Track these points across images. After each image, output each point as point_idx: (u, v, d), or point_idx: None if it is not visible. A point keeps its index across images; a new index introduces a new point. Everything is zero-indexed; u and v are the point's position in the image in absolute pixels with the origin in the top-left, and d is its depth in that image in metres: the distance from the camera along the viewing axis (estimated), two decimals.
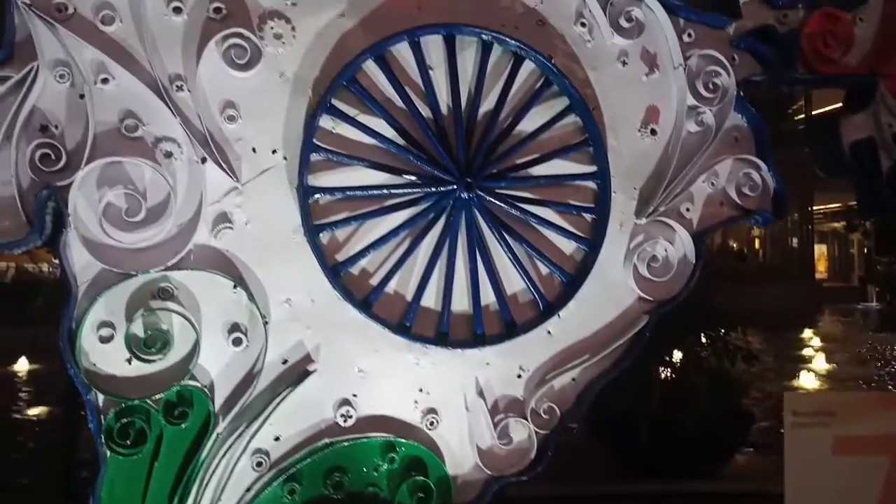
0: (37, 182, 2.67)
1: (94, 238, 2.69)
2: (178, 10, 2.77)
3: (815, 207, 33.65)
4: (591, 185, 3.12)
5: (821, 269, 42.36)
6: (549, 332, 3.04)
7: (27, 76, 2.65)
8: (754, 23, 3.31)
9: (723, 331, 8.38)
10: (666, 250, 3.13)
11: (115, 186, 2.71)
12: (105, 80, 2.72)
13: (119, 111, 2.74)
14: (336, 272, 2.88)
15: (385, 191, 2.95)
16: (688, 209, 3.19)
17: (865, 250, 39.20)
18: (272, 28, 2.85)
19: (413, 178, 2.97)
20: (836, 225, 41.01)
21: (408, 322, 2.95)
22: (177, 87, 2.77)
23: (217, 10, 2.81)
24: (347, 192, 2.93)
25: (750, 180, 3.25)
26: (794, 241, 34.35)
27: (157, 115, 2.76)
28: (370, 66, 2.96)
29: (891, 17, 3.50)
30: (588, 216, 3.11)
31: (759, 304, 15.11)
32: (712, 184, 3.22)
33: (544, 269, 3.07)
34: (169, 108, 2.75)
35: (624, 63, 3.17)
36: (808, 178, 21.31)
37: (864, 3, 3.48)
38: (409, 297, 2.97)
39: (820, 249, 42.58)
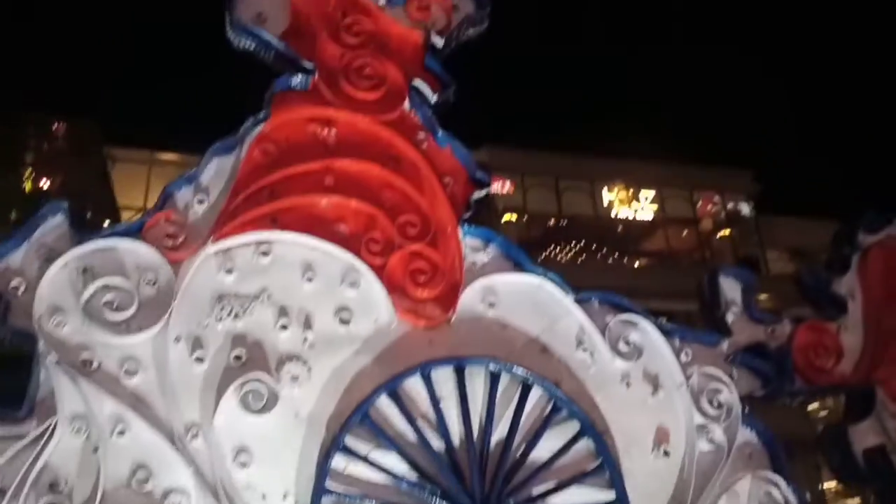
0: None
1: None
2: (200, 360, 2.89)
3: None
4: None
5: None
6: None
7: (44, 433, 2.67)
8: (746, 339, 3.50)
9: None
10: None
11: None
12: (121, 433, 2.74)
13: (131, 464, 2.72)
14: None
15: None
16: None
17: None
18: (289, 371, 2.95)
19: None
20: None
21: None
22: (192, 435, 2.78)
23: (237, 357, 2.93)
24: None
25: (771, 499, 3.17)
26: None
27: (168, 466, 2.74)
28: (383, 401, 3.02)
29: (873, 323, 3.71)
30: None
31: None
32: None
33: None
34: (182, 457, 2.73)
35: (628, 385, 3.26)
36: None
37: (844, 314, 3.71)
38: None
39: None
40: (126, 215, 16.72)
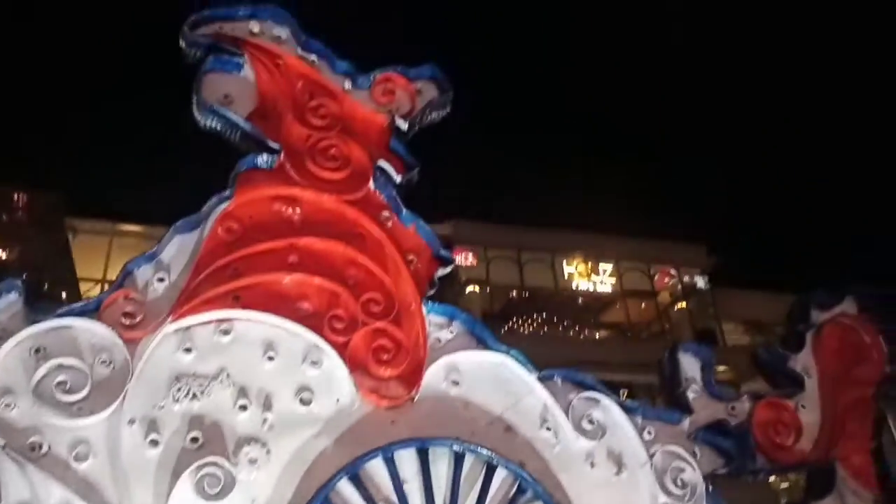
0: None
1: None
2: (154, 443, 2.80)
3: None
4: None
5: None
6: None
7: None
8: (707, 417, 3.53)
9: None
10: None
11: None
12: None
13: None
14: None
15: None
16: None
17: None
18: (247, 454, 2.87)
19: None
20: None
21: None
22: None
23: (194, 439, 2.85)
24: None
25: None
26: None
27: None
28: (344, 485, 2.95)
29: (829, 400, 3.77)
30: None
31: None
32: None
33: None
34: None
35: (592, 464, 3.25)
36: None
37: (801, 391, 3.77)
38: None
39: None
40: (85, 287, 16.37)
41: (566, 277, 21.14)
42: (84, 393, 2.80)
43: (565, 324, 20.16)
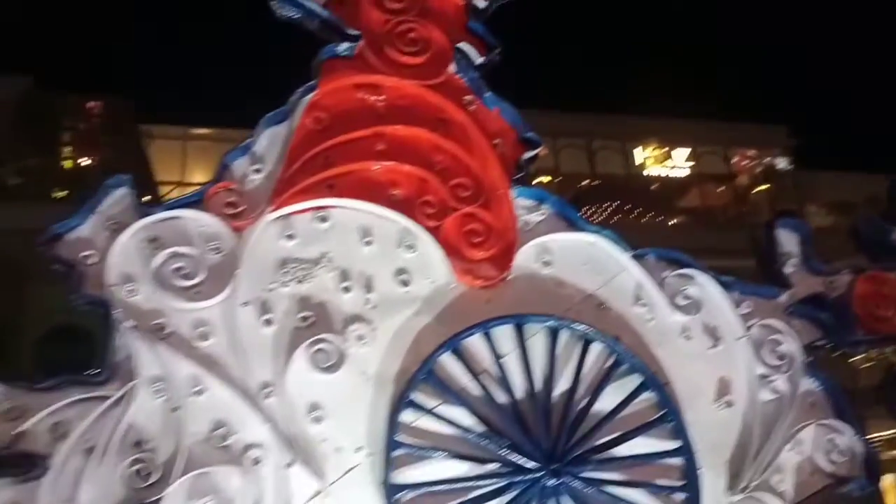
0: (128, 499, 2.68)
1: None
2: (269, 322, 2.97)
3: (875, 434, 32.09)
4: (677, 462, 3.06)
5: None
6: None
7: (125, 395, 2.79)
8: (805, 291, 3.48)
9: None
10: None
11: (205, 498, 2.70)
12: (199, 392, 2.84)
13: (210, 421, 2.82)
14: None
15: (469, 483, 2.91)
16: (780, 481, 3.10)
17: None
18: (355, 331, 3.02)
19: (497, 466, 2.94)
20: None
21: None
22: (266, 393, 2.88)
23: (304, 318, 3.01)
24: (432, 487, 2.89)
25: (835, 446, 3.19)
26: None
27: (246, 423, 2.84)
28: (446, 359, 3.08)
29: None
30: (679, 495, 3.01)
31: None
32: (799, 452, 3.17)
33: None
34: (259, 414, 2.83)
35: (688, 338, 3.28)
36: None
37: None
38: None
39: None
40: (164, 190, 16.95)
41: (639, 164, 20.61)
42: (199, 278, 2.97)
43: (639, 211, 19.78)
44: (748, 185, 21.28)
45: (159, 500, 2.67)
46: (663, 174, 20.73)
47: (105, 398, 2.79)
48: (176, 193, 17.02)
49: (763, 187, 21.09)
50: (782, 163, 21.26)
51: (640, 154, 20.67)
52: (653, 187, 20.55)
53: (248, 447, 2.82)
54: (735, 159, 21.21)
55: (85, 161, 17.65)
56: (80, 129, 17.64)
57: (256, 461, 2.80)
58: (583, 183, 20.01)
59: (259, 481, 2.77)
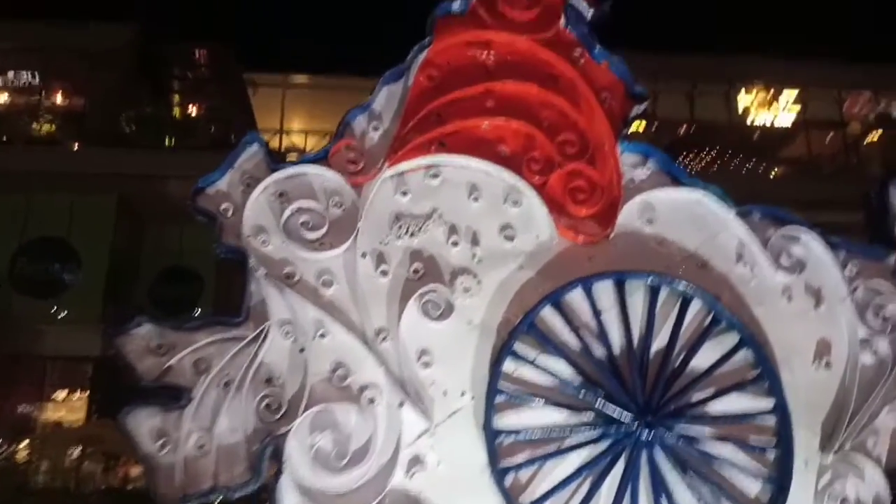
0: (259, 430, 3.01)
1: (305, 483, 2.95)
2: (384, 273, 3.21)
3: None
4: (771, 421, 3.13)
5: None
6: None
7: (259, 335, 3.10)
8: None
9: None
10: (857, 490, 3.04)
11: (325, 431, 3.00)
12: (322, 336, 3.12)
13: (332, 362, 3.10)
14: None
15: (565, 431, 3.08)
16: (875, 444, 3.13)
17: None
18: (461, 283, 3.22)
19: (592, 416, 3.10)
20: None
21: None
22: (381, 338, 3.13)
23: (416, 270, 3.23)
24: (530, 433, 3.09)
25: None
26: None
27: (363, 365, 3.10)
28: (547, 312, 3.24)
29: None
30: (771, 454, 3.09)
31: None
32: None
33: None
34: (374, 357, 3.09)
35: (789, 298, 3.30)
36: None
37: None
38: None
39: None
40: (266, 137, 17.54)
41: (742, 111, 19.67)
42: (323, 231, 3.22)
43: (739, 159, 18.98)
44: (860, 133, 19.98)
45: (287, 431, 2.98)
46: (768, 121, 19.72)
47: (241, 338, 3.10)
48: (275, 141, 17.65)
49: (875, 136, 19.75)
50: None
51: (744, 99, 19.70)
52: (755, 136, 19.63)
53: (364, 387, 3.08)
54: (847, 103, 19.88)
55: (192, 109, 18.44)
56: (187, 78, 18.41)
57: (371, 400, 3.07)
58: (681, 129, 19.33)
59: (374, 418, 3.04)
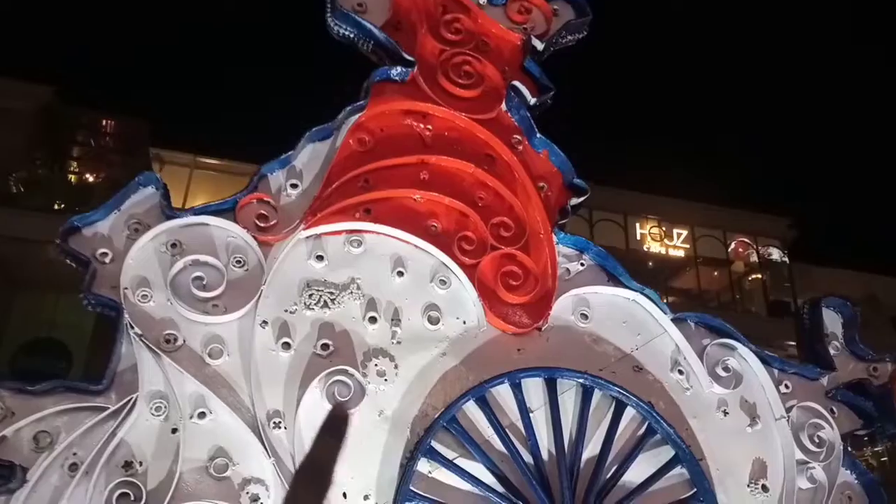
0: None
1: None
2: (286, 346, 2.76)
3: None
4: None
5: None
6: None
7: (122, 408, 2.54)
8: (848, 376, 3.30)
9: None
10: None
11: None
12: (202, 415, 2.60)
13: (210, 448, 2.58)
14: None
15: None
16: None
17: None
18: (376, 366, 2.81)
19: None
20: None
21: None
22: (274, 423, 2.64)
23: (324, 346, 2.80)
24: None
25: None
26: None
27: (248, 455, 2.59)
28: (470, 407, 2.86)
29: None
30: None
31: None
32: None
33: None
34: (263, 446, 2.58)
35: (725, 413, 3.08)
36: None
37: None
38: None
39: None
40: None
41: (638, 239, 20.63)
42: (219, 291, 2.76)
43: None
44: (744, 272, 21.33)
45: None
46: (661, 252, 20.74)
47: (99, 410, 2.53)
48: None
49: (757, 276, 21.13)
50: (777, 253, 21.35)
51: (640, 230, 20.71)
52: (650, 264, 20.52)
53: (247, 482, 2.56)
54: (733, 245, 21.31)
55: (90, 177, 17.54)
56: (90, 145, 17.59)
57: (254, 499, 2.54)
58: None
59: None
